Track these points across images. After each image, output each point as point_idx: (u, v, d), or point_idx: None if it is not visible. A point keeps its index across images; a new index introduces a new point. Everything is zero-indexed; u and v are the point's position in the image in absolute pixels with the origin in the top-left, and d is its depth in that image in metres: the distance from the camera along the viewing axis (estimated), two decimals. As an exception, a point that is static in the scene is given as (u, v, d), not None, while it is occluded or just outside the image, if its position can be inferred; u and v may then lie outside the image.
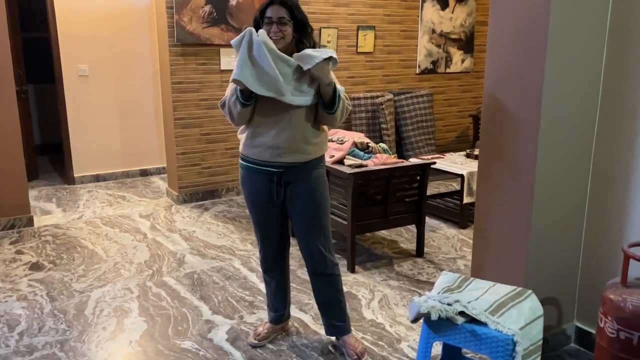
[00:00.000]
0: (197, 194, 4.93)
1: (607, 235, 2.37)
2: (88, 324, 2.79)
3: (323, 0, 5.20)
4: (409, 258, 3.65)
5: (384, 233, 4.09)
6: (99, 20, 5.38)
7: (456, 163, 4.29)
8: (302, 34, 2.28)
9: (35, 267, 3.50)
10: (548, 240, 2.35)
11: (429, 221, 4.36)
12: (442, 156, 4.58)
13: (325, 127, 2.37)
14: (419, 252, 3.67)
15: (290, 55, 2.16)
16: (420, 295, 2.78)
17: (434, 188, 5.43)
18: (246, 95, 2.15)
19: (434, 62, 6.04)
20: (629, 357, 1.95)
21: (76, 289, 3.19)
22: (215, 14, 4.62)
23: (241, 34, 2.09)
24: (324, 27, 5.23)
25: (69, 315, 2.87)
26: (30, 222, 4.24)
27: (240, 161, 2.41)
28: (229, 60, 4.72)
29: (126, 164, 5.85)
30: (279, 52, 2.12)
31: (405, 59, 5.87)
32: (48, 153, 6.81)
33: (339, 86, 2.25)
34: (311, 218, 2.35)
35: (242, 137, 2.37)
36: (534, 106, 2.20)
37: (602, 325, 2.04)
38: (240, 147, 2.39)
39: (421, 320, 1.89)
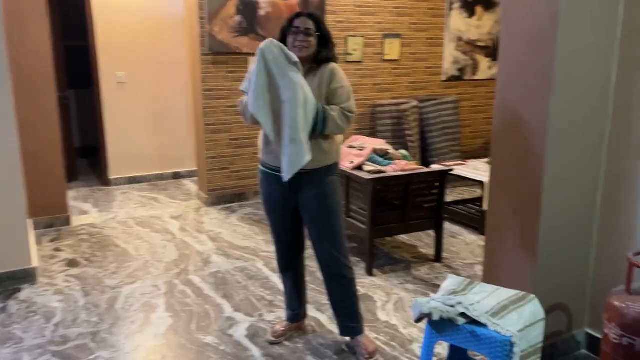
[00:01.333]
0: (225, 196, 5.10)
1: (618, 242, 2.39)
2: (118, 317, 2.97)
3: (350, 10, 5.31)
4: (427, 263, 3.72)
5: (404, 238, 4.16)
6: (136, 30, 5.64)
7: (478, 170, 4.33)
8: (323, 47, 2.42)
9: (72, 263, 3.72)
10: (557, 246, 2.40)
11: (450, 227, 4.40)
12: (464, 163, 4.62)
13: (337, 137, 2.48)
14: (437, 257, 3.73)
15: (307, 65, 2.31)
16: (433, 298, 2.85)
17: (458, 194, 5.47)
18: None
19: (460, 70, 6.07)
20: (632, 363, 1.99)
21: (108, 285, 3.38)
22: (244, 23, 4.80)
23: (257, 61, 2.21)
24: (350, 36, 5.35)
25: (101, 309, 3.06)
26: (68, 221, 4.49)
27: (259, 166, 2.55)
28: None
29: (159, 167, 6.08)
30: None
31: (431, 67, 5.92)
32: (87, 156, 7.13)
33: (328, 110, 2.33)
34: (323, 223, 2.45)
35: (260, 143, 2.51)
36: (542, 116, 2.25)
37: (606, 331, 2.08)
38: (259, 153, 2.53)
39: (426, 321, 1.97)
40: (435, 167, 4.23)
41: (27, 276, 3.36)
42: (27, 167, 4.09)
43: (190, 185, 5.89)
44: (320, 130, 2.31)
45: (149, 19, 5.67)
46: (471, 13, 5.97)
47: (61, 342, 2.71)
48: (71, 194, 5.40)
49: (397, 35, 5.61)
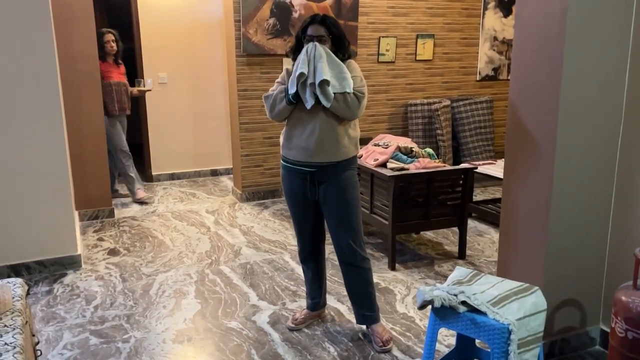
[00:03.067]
0: (258, 192, 5.30)
1: (634, 236, 2.41)
2: (151, 302, 3.18)
3: (383, 11, 5.41)
4: (450, 259, 3.78)
5: (430, 235, 4.23)
6: (177, 34, 5.92)
7: (506, 169, 4.33)
8: (339, 48, 2.55)
9: (113, 252, 3.99)
10: (569, 241, 2.43)
11: (478, 225, 4.44)
12: (494, 162, 4.64)
13: (356, 130, 2.60)
14: (461, 254, 3.79)
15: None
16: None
17: (490, 194, 5.48)
18: (296, 95, 2.45)
19: (495, 69, 6.05)
20: (637, 356, 2.02)
21: (144, 272, 3.62)
22: (278, 25, 4.97)
23: (307, 49, 2.42)
24: (382, 36, 5.44)
25: (137, 294, 3.29)
26: (111, 213, 4.79)
27: (281, 161, 2.70)
28: (290, 68, 5.04)
29: (198, 164, 6.35)
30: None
31: (465, 66, 5.94)
32: (132, 153, 7.48)
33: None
34: (341, 215, 2.58)
35: (281, 138, 2.66)
36: (553, 113, 2.30)
37: (613, 325, 2.12)
38: (280, 148, 2.68)
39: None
40: (461, 165, 4.27)
41: (72, 262, 3.64)
42: (75, 163, 4.42)
43: (227, 181, 6.13)
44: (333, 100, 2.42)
45: (189, 23, 5.95)
46: (507, 12, 5.95)
47: (99, 322, 2.94)
48: (116, 189, 5.72)
49: (431, 36, 5.66)
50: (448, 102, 5.52)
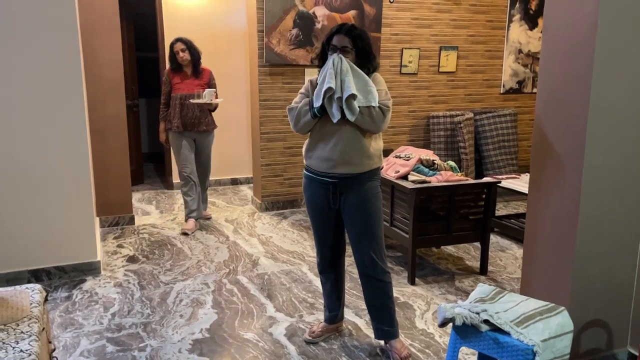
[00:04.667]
0: (278, 202, 5.29)
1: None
2: (168, 311, 3.17)
3: (406, 22, 5.38)
4: (471, 275, 3.70)
5: (450, 249, 4.16)
6: (201, 43, 5.92)
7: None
8: (364, 61, 2.52)
9: (132, 259, 4.00)
10: (597, 259, 2.36)
11: (500, 241, 4.35)
12: (518, 176, 4.55)
13: (379, 142, 2.57)
14: (483, 270, 3.71)
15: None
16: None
17: (512, 208, 5.38)
18: (321, 108, 2.43)
19: (520, 82, 5.97)
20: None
21: (162, 280, 3.62)
22: (301, 36, 4.98)
23: (334, 62, 2.39)
24: (405, 48, 5.41)
25: (154, 302, 3.29)
26: (131, 220, 4.82)
27: (304, 171, 2.68)
28: (314, 80, 5.03)
29: (219, 172, 6.37)
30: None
31: (489, 79, 5.87)
32: (153, 161, 7.57)
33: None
34: (363, 226, 2.55)
35: (304, 149, 2.64)
36: (580, 129, 2.24)
37: (643, 349, 2.03)
38: (304, 158, 2.66)
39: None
40: (484, 179, 4.19)
41: (91, 269, 3.66)
42: (97, 169, 4.46)
43: (247, 191, 6.13)
44: (358, 113, 2.39)
45: (212, 33, 6.00)
46: (533, 25, 5.87)
47: (116, 330, 2.94)
48: (137, 196, 5.78)
49: (454, 48, 5.61)
50: (471, 115, 5.46)
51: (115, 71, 4.53)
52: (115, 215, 4.75)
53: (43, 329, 1.91)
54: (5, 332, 1.78)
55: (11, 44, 3.23)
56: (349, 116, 2.37)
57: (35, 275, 3.50)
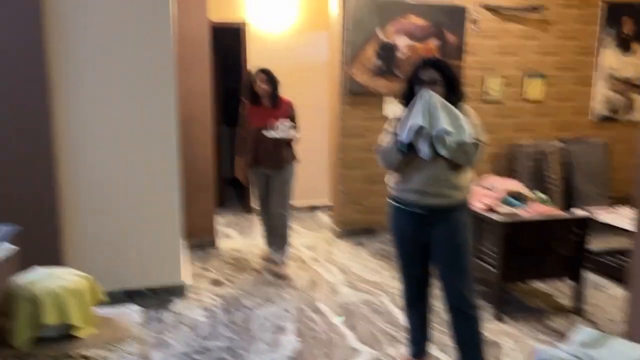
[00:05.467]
0: (356, 230, 5.28)
1: None
2: (252, 336, 3.23)
3: (490, 50, 5.29)
4: (563, 314, 3.50)
5: (539, 285, 3.96)
6: (284, 73, 6.09)
7: (627, 218, 3.99)
8: (451, 90, 2.50)
9: (216, 282, 4.12)
10: None
11: (594, 278, 4.08)
12: (613, 210, 4.28)
13: (469, 175, 2.52)
14: (576, 308, 3.50)
15: None
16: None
17: (608, 243, 5.04)
18: (408, 145, 2.42)
19: (613, 110, 5.67)
20: None
21: (246, 305, 3.69)
22: (383, 66, 5.02)
23: (423, 97, 2.39)
24: (488, 76, 5.31)
25: (238, 326, 3.36)
26: (215, 244, 4.98)
27: (389, 200, 2.67)
28: (393, 108, 5.05)
29: (298, 198, 6.44)
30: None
31: (578, 107, 5.62)
32: (234, 186, 7.81)
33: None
34: (451, 259, 2.50)
35: (391, 179, 2.64)
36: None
37: None
38: (390, 189, 2.65)
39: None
40: (576, 212, 3.98)
41: (179, 291, 3.80)
42: (183, 193, 4.65)
43: (324, 217, 6.18)
44: (453, 151, 2.36)
45: (295, 64, 6.16)
46: (626, 49, 5.59)
47: (203, 352, 3.03)
48: (219, 220, 5.97)
49: (540, 75, 5.44)
50: (559, 144, 5.23)
51: (203, 102, 4.76)
52: (200, 239, 4.93)
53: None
54: (111, 352, 1.88)
55: (113, 78, 3.47)
56: (441, 152, 2.35)
57: (129, 295, 3.69)
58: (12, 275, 2.12)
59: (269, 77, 4.22)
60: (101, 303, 2.14)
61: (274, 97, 4.25)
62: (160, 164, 3.65)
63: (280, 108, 4.25)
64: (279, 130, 4.10)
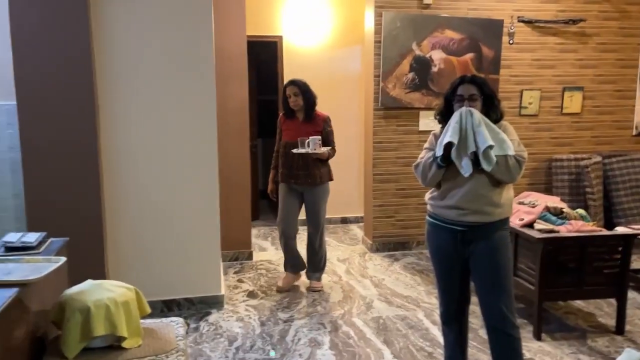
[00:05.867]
0: (389, 244, 5.27)
1: None
2: (288, 349, 3.26)
3: (527, 64, 5.25)
4: (606, 334, 3.41)
5: (579, 304, 3.87)
6: (317, 87, 6.14)
7: (673, 236, 3.87)
8: (490, 107, 2.51)
9: (251, 295, 4.17)
10: None
11: (638, 297, 3.97)
12: (657, 227, 4.16)
13: (509, 192, 2.51)
14: (619, 329, 3.41)
15: None
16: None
17: (648, 261, 4.91)
18: (445, 158, 2.42)
19: (655, 123, 5.53)
20: None
21: (281, 317, 3.73)
22: (417, 80, 5.03)
23: (461, 116, 2.40)
24: (526, 89, 5.26)
25: (274, 339, 3.39)
26: (250, 256, 5.05)
27: (427, 217, 2.68)
28: (427, 122, 5.05)
29: (330, 211, 6.42)
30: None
31: (619, 120, 5.51)
32: (268, 197, 7.88)
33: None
34: (492, 277, 2.48)
35: (429, 196, 2.64)
36: None
37: None
38: (428, 204, 2.66)
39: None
40: (619, 229, 3.89)
41: (216, 302, 3.87)
42: (221, 207, 4.73)
43: (357, 230, 6.18)
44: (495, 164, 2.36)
45: (329, 78, 6.22)
46: (669, 62, 5.45)
47: (240, 364, 3.07)
48: (253, 232, 6.04)
49: (579, 88, 5.36)
50: (599, 158, 5.13)
51: (241, 116, 4.85)
52: (235, 251, 5.00)
53: (188, 362, 2.05)
54: (157, 363, 1.93)
55: (158, 94, 3.58)
56: (485, 166, 2.35)
57: (167, 306, 3.77)
58: (63, 286, 2.21)
59: (301, 89, 4.06)
60: (146, 315, 2.20)
61: (308, 110, 4.09)
62: (201, 177, 3.73)
63: (314, 123, 4.10)
64: (309, 145, 3.92)
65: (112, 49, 3.46)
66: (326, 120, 4.18)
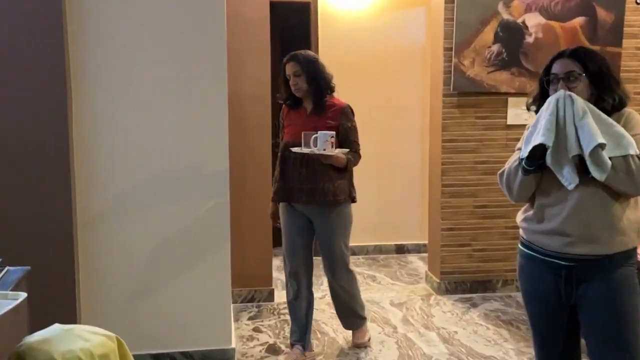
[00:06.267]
0: (464, 283, 5.22)
1: None
2: None
3: (659, 30, 5.15)
4: None
5: None
6: (362, 68, 6.22)
7: None
8: (602, 91, 2.45)
9: (272, 349, 4.19)
10: None
11: None
12: None
13: (636, 212, 2.45)
14: None
15: None
16: None
17: None
18: (535, 160, 2.38)
19: None
20: None
21: (312, 382, 3.74)
22: (505, 54, 4.99)
23: (557, 103, 2.35)
24: (658, 67, 5.16)
25: (303, 411, 3.40)
26: (270, 296, 5.09)
27: (520, 246, 2.65)
28: (519, 112, 4.99)
29: (380, 236, 6.50)
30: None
31: None
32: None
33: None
34: (610, 330, 2.44)
35: (522, 216, 2.61)
36: None
37: None
38: (520, 229, 2.62)
39: None
40: None
41: (224, 358, 3.90)
42: (233, 234, 4.73)
43: (418, 263, 6.16)
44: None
45: (379, 52, 6.25)
46: None
47: None
48: (275, 263, 6.04)
49: None
50: None
51: (261, 105, 4.91)
52: (251, 288, 5.04)
53: None
54: None
55: (147, 83, 3.66)
56: (596, 174, 2.30)
57: (158, 361, 3.83)
58: (22, 331, 2.25)
59: (304, 67, 3.74)
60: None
61: (317, 97, 3.80)
62: (206, 189, 3.79)
63: (327, 115, 3.81)
64: (319, 143, 3.57)
65: (89, 22, 3.55)
66: (345, 112, 3.88)
